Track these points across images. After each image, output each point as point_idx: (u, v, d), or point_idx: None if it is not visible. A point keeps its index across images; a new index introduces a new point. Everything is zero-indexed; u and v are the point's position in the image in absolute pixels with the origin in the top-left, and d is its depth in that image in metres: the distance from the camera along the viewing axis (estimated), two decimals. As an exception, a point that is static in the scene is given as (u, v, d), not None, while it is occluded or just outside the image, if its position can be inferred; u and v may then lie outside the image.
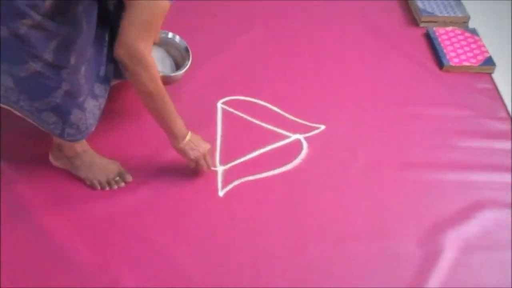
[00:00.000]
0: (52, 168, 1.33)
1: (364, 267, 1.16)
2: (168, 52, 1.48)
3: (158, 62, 1.29)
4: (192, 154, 1.24)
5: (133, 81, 1.15)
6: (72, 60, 1.10)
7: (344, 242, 1.21)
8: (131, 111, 1.48)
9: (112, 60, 1.22)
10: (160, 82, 1.15)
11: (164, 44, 1.46)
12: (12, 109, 1.15)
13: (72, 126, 1.18)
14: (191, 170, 1.31)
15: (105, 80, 1.26)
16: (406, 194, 1.32)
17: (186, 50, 1.46)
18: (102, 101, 1.25)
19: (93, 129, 1.24)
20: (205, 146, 1.27)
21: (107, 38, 1.24)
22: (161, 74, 1.24)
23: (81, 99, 1.17)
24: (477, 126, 1.50)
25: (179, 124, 1.22)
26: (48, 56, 1.06)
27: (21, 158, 1.35)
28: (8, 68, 1.07)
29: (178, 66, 1.46)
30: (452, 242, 1.21)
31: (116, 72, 1.27)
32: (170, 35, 1.48)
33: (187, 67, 1.42)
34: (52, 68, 1.08)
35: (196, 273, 1.14)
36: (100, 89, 1.23)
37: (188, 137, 1.23)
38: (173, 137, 1.23)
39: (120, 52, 1.10)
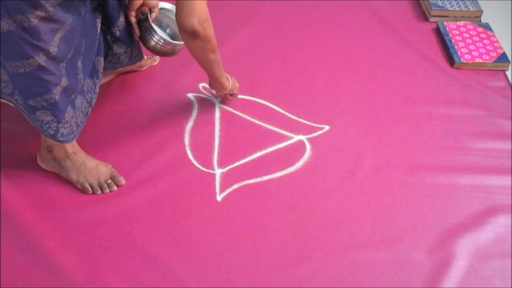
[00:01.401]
0: (40, 170, 1.30)
1: (371, 276, 1.14)
2: (167, 25, 1.45)
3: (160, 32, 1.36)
4: (236, 88, 1.45)
5: (201, 45, 1.23)
6: (70, 53, 1.11)
7: (350, 250, 1.18)
8: (124, 111, 1.46)
9: (99, 52, 1.24)
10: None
11: (163, 16, 1.43)
12: (9, 103, 1.15)
13: (66, 125, 1.18)
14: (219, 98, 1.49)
15: (95, 74, 1.26)
16: (416, 199, 1.29)
17: None
18: (90, 97, 1.25)
19: (82, 127, 1.24)
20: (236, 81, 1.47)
21: (99, 30, 1.24)
22: (165, 40, 1.34)
23: (73, 96, 1.17)
24: (491, 127, 1.47)
25: (224, 72, 1.39)
26: (53, 50, 1.06)
27: (7, 160, 1.32)
28: (7, 64, 1.06)
29: (176, 38, 1.42)
30: (464, 249, 1.18)
31: (105, 64, 1.30)
32: (169, 6, 1.43)
33: None
34: (54, 62, 1.08)
35: (192, 282, 1.11)
36: (88, 84, 1.24)
37: (230, 79, 1.41)
38: (224, 80, 1.38)
39: (193, 22, 1.17)
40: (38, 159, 1.30)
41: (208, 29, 1.20)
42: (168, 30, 1.44)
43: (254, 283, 1.12)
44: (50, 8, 1.01)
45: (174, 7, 1.41)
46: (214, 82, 1.39)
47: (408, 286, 1.12)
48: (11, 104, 1.15)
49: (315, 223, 1.23)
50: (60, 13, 1.05)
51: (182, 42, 1.36)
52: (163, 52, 1.38)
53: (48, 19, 1.03)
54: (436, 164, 1.36)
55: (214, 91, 1.46)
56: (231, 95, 1.47)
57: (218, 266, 1.14)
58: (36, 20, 1.01)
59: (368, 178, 1.33)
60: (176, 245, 1.17)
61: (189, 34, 1.19)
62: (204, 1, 1.17)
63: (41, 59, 1.05)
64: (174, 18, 1.41)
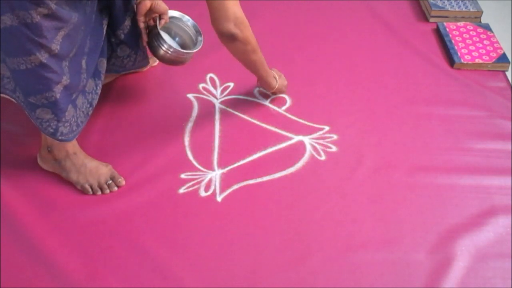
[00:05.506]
0: (41, 170, 1.30)
1: (371, 277, 1.13)
2: (176, 33, 1.41)
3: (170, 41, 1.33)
4: (283, 87, 1.49)
5: (241, 48, 1.24)
6: (72, 52, 1.10)
7: (350, 251, 1.18)
8: (124, 112, 1.46)
9: (103, 54, 1.24)
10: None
11: (172, 24, 1.39)
12: (11, 99, 1.15)
13: (66, 124, 1.17)
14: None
15: (97, 75, 1.26)
16: (416, 199, 1.29)
17: (195, 28, 1.40)
18: (92, 97, 1.25)
19: (83, 127, 1.24)
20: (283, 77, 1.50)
21: (105, 31, 1.24)
22: (175, 49, 1.31)
23: (75, 95, 1.17)
24: (490, 127, 1.46)
25: (269, 71, 1.41)
26: (55, 47, 1.05)
27: (7, 160, 1.32)
28: (8, 60, 1.06)
29: (185, 47, 1.39)
30: (464, 250, 1.18)
31: (108, 67, 1.29)
32: (178, 14, 1.40)
33: (202, 44, 1.37)
34: (56, 59, 1.08)
35: (192, 282, 1.11)
36: (90, 85, 1.23)
37: (278, 77, 1.45)
38: (271, 80, 1.42)
39: (229, 26, 1.18)
40: (38, 159, 1.29)
41: (245, 31, 1.21)
42: (177, 39, 1.40)
43: (254, 283, 1.11)
44: (53, 6, 1.01)
45: (183, 15, 1.39)
46: (261, 81, 1.42)
47: (408, 287, 1.11)
48: (13, 100, 1.15)
49: (315, 223, 1.22)
50: (64, 11, 1.04)
51: (192, 51, 1.34)
52: (172, 61, 1.34)
53: (51, 16, 1.02)
54: (436, 164, 1.36)
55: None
56: (280, 91, 1.50)
57: (218, 266, 1.13)
58: (38, 17, 1.00)
59: (368, 178, 1.32)
60: (176, 245, 1.17)
61: (227, 38, 1.20)
62: (236, 1, 1.17)
63: (43, 56, 1.05)
64: (184, 27, 1.39)
